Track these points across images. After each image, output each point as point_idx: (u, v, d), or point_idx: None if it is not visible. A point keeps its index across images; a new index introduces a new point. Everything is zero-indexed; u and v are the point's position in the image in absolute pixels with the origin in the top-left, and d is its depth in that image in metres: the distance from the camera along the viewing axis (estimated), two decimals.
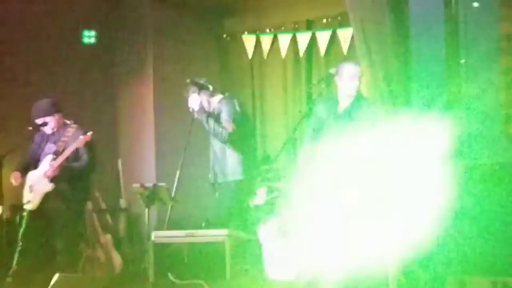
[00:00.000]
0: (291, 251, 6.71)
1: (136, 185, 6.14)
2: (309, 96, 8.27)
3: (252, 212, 7.25)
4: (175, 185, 6.02)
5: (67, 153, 6.25)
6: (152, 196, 6.01)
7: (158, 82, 8.68)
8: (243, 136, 6.23)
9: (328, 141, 6.19)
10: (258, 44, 8.98)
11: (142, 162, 8.66)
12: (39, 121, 6.44)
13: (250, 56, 9.04)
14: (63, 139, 6.41)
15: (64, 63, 8.26)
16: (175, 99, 7.84)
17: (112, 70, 8.92)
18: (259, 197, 7.85)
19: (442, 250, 3.69)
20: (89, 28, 8.63)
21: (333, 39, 8.30)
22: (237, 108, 6.26)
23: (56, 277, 5.52)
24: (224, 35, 9.22)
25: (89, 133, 6.28)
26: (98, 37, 8.69)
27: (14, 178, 6.47)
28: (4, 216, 6.97)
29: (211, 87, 6.33)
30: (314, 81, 6.25)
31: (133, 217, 8.59)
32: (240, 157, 6.16)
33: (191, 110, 6.22)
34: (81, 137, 6.26)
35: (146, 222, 5.86)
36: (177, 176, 6.00)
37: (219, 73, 8.95)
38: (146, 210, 5.99)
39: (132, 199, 8.23)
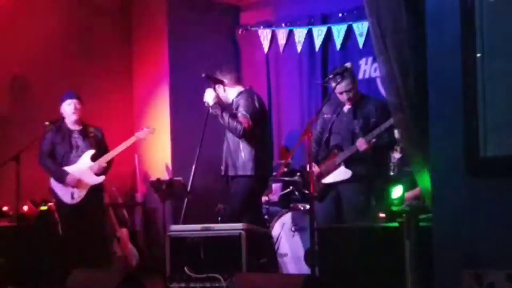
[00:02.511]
0: (305, 246, 6.74)
1: (152, 180, 6.16)
2: (325, 90, 8.27)
3: (265, 207, 7.28)
4: (190, 179, 6.02)
5: (123, 147, 6.70)
6: (168, 190, 6.05)
7: (174, 76, 8.70)
8: (259, 133, 6.20)
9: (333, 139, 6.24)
10: (273, 38, 8.98)
11: (158, 157, 8.69)
12: (72, 102, 6.71)
13: (266, 50, 9.04)
14: (91, 135, 6.73)
15: (80, 59, 8.29)
16: (190, 94, 7.87)
17: (129, 64, 8.94)
18: (274, 193, 7.87)
19: (456, 242, 3.67)
20: (104, 23, 8.68)
21: (349, 33, 8.29)
22: (256, 103, 6.22)
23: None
24: (240, 29, 9.22)
25: (153, 128, 6.90)
26: (114, 33, 8.74)
27: (72, 183, 6.61)
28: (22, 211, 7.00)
29: (226, 81, 6.30)
30: (330, 75, 6.23)
31: (149, 211, 8.63)
32: (253, 153, 6.12)
33: (206, 104, 6.21)
34: (146, 129, 6.79)
35: (162, 216, 5.88)
36: (193, 170, 6.00)
37: (235, 67, 8.95)
38: (162, 204, 6.01)
39: (148, 193, 8.28)
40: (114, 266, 7.70)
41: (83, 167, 6.65)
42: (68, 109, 6.74)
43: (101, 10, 8.66)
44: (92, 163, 6.65)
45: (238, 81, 6.36)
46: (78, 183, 6.63)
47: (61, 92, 6.91)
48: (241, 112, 6.09)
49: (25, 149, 6.43)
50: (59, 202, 6.75)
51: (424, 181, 4.22)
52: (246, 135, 6.07)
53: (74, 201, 6.66)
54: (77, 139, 6.73)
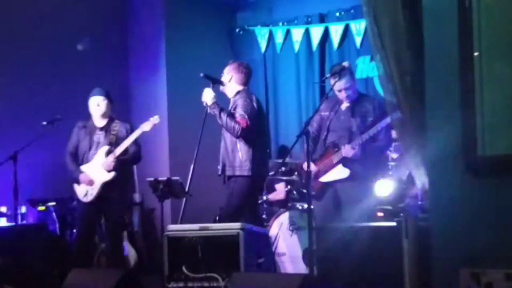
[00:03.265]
0: (303, 245, 6.74)
1: (150, 179, 6.16)
2: (322, 90, 8.28)
3: (262, 207, 7.28)
4: (189, 179, 6.02)
5: (129, 141, 6.59)
6: (166, 190, 6.03)
7: (171, 76, 8.70)
8: (256, 133, 6.20)
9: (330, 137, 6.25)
10: (271, 37, 8.99)
11: (156, 156, 8.68)
12: (94, 99, 6.72)
13: (263, 50, 9.05)
14: (113, 132, 6.68)
15: (77, 59, 8.28)
16: (188, 93, 7.86)
17: (126, 64, 8.94)
18: (279, 192, 7.87)
19: (454, 241, 3.68)
20: (102, 21, 8.67)
21: (346, 32, 8.30)
22: (254, 104, 6.21)
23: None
24: (237, 29, 9.22)
25: (156, 117, 6.68)
26: (111, 32, 8.74)
27: (84, 181, 6.62)
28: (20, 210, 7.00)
29: (228, 79, 6.30)
30: (327, 75, 6.25)
31: (147, 211, 8.62)
32: (250, 153, 6.13)
33: (204, 104, 6.21)
34: (147, 122, 6.63)
35: (160, 216, 5.88)
36: (191, 170, 6.00)
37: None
38: (160, 204, 6.01)
39: (146, 193, 8.27)
40: (112, 266, 7.71)
41: (96, 164, 6.64)
42: (91, 106, 6.75)
43: (98, 9, 8.65)
44: (104, 160, 6.63)
45: (244, 83, 6.34)
46: (91, 181, 6.62)
47: (60, 90, 6.90)
48: (239, 112, 6.09)
49: (22, 149, 6.42)
50: (77, 200, 6.78)
51: (422, 179, 4.23)
52: (244, 135, 6.07)
53: (87, 199, 6.64)
54: (100, 136, 6.72)
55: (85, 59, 8.35)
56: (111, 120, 6.79)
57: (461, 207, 3.66)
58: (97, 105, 6.73)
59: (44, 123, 6.63)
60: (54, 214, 7.29)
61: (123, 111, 8.73)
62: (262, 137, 6.45)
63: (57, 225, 7.25)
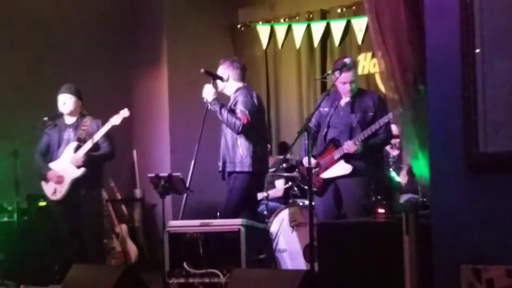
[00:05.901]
0: (304, 241, 6.75)
1: (151, 175, 6.16)
2: (324, 86, 8.28)
3: (263, 204, 7.28)
4: (190, 175, 6.03)
5: (98, 135, 6.53)
6: (167, 186, 6.03)
7: (172, 72, 8.70)
8: (257, 129, 6.20)
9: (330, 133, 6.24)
10: (272, 34, 8.98)
11: (157, 153, 8.69)
12: (61, 97, 6.68)
13: (264, 46, 9.05)
14: (82, 127, 6.59)
15: (79, 56, 8.28)
16: (189, 90, 7.87)
17: (127, 61, 8.93)
18: (278, 189, 7.88)
19: (455, 238, 3.68)
20: (104, 20, 8.67)
21: (348, 29, 8.29)
22: (255, 100, 6.22)
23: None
24: (239, 25, 9.22)
25: (125, 110, 6.61)
26: (113, 30, 8.74)
27: (53, 179, 6.58)
28: (21, 206, 6.99)
29: (225, 78, 6.31)
30: (329, 71, 6.25)
31: (148, 207, 8.63)
32: (251, 149, 6.13)
33: (204, 100, 6.20)
34: (116, 116, 6.57)
35: (161, 212, 5.89)
36: (192, 166, 6.00)
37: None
38: (161, 200, 6.01)
39: (147, 189, 8.28)
40: (113, 262, 7.72)
41: (65, 161, 6.58)
42: (58, 104, 6.72)
43: (102, 7, 8.66)
44: (72, 156, 6.56)
45: (242, 78, 6.35)
46: (59, 178, 6.56)
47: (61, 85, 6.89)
48: (240, 108, 6.10)
49: (24, 145, 6.41)
50: (47, 198, 6.75)
51: (423, 176, 4.23)
52: (245, 131, 6.08)
53: (56, 197, 6.60)
54: (70, 133, 6.68)
55: (86, 56, 8.34)
56: (81, 117, 6.76)
57: (462, 203, 3.66)
58: (63, 103, 6.70)
59: (45, 118, 6.63)
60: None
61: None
62: (263, 133, 6.45)
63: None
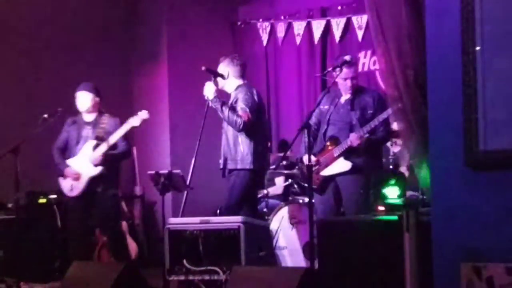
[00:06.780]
0: (304, 239, 6.75)
1: (151, 172, 6.16)
2: (324, 83, 8.27)
3: (263, 201, 7.28)
4: (190, 172, 6.02)
5: (117, 136, 6.56)
6: (166, 183, 6.03)
7: (172, 70, 8.70)
8: (257, 126, 6.20)
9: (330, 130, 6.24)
10: (272, 31, 8.98)
11: (157, 150, 8.69)
12: (79, 95, 6.71)
13: (264, 43, 9.04)
14: (101, 126, 6.64)
15: (79, 53, 8.28)
16: (189, 87, 7.86)
17: (127, 58, 8.93)
18: (278, 186, 7.88)
19: (455, 235, 3.68)
20: (104, 17, 8.67)
21: (348, 26, 8.29)
22: (255, 97, 6.21)
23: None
24: (239, 23, 9.22)
25: (145, 111, 6.59)
26: (113, 27, 8.74)
27: (70, 175, 6.61)
28: (21, 203, 6.99)
29: (226, 75, 6.29)
30: (329, 68, 6.25)
31: (148, 204, 8.63)
32: (252, 147, 6.12)
33: (205, 98, 6.19)
34: (135, 116, 6.56)
35: (161, 209, 5.89)
36: (192, 163, 6.00)
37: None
38: (161, 197, 6.01)
39: (147, 186, 8.28)
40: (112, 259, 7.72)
41: (83, 158, 6.63)
42: (77, 101, 6.76)
43: (102, 4, 8.66)
44: (90, 154, 6.62)
45: (242, 75, 6.34)
46: (76, 176, 6.61)
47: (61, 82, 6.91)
48: (240, 106, 6.09)
49: (23, 141, 6.41)
50: (63, 194, 6.79)
51: (424, 173, 4.23)
52: (246, 129, 6.07)
53: (73, 194, 6.65)
54: (89, 131, 6.73)
55: (87, 53, 8.34)
56: (100, 114, 6.78)
57: (462, 201, 3.66)
58: (81, 100, 6.73)
59: (45, 115, 6.63)
60: (55, 206, 7.28)
61: (124, 105, 8.74)
62: (263, 131, 6.45)
63: (58, 218, 7.25)
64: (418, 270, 3.92)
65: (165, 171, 6.11)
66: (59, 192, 6.89)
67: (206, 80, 6.23)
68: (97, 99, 6.78)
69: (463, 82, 3.64)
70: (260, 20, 9.04)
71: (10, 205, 7.11)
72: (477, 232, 3.59)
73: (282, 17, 8.89)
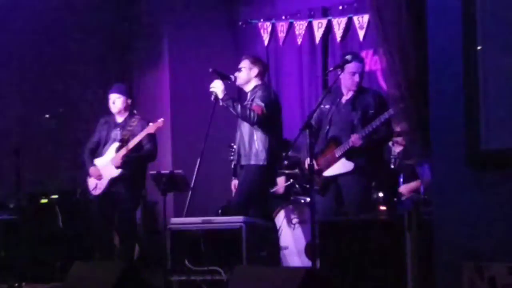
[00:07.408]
0: (306, 239, 6.74)
1: (152, 173, 6.16)
2: (325, 83, 8.26)
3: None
4: (195, 173, 5.98)
5: (136, 140, 6.58)
6: (168, 184, 6.03)
7: (174, 70, 8.69)
8: (273, 124, 6.16)
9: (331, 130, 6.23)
10: (274, 31, 8.97)
11: (159, 150, 8.67)
12: (111, 97, 6.78)
13: (266, 43, 9.03)
14: (128, 128, 6.67)
15: (80, 53, 8.28)
16: (191, 87, 7.87)
17: (129, 58, 8.93)
18: (279, 186, 7.87)
19: (457, 235, 3.67)
20: (105, 17, 8.67)
21: (349, 25, 8.28)
22: (272, 95, 6.19)
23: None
24: (240, 23, 9.21)
25: (161, 120, 6.60)
26: (114, 28, 8.75)
27: (94, 175, 6.68)
28: (23, 203, 7.00)
29: (233, 77, 6.26)
30: (330, 68, 6.23)
31: (149, 205, 8.62)
32: (267, 143, 6.06)
33: (212, 97, 6.10)
34: (151, 124, 6.58)
35: (163, 209, 5.89)
36: (197, 163, 5.94)
37: (235, 60, 8.93)
38: (163, 197, 6.01)
39: (148, 186, 8.27)
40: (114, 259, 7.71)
41: (106, 159, 6.68)
42: (109, 102, 6.81)
43: (103, 5, 8.66)
44: (113, 156, 6.64)
45: (262, 77, 6.31)
46: (99, 176, 6.66)
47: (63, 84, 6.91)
48: (256, 102, 6.05)
49: (25, 142, 6.42)
50: (89, 193, 6.86)
51: (426, 173, 4.23)
52: (260, 123, 6.02)
53: (96, 193, 6.72)
54: (117, 132, 6.77)
55: (89, 55, 8.35)
56: (130, 116, 6.82)
57: (464, 200, 3.65)
58: (112, 102, 6.80)
59: (47, 116, 6.65)
60: (56, 207, 7.29)
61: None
62: (279, 129, 6.39)
63: (60, 218, 7.25)
64: (419, 270, 3.92)
65: (167, 171, 6.11)
66: (85, 190, 6.96)
67: (208, 80, 6.19)
68: (129, 101, 6.85)
69: (465, 82, 3.64)
70: (261, 20, 9.02)
71: (11, 206, 7.11)
72: (479, 231, 3.59)
73: (283, 17, 8.88)
